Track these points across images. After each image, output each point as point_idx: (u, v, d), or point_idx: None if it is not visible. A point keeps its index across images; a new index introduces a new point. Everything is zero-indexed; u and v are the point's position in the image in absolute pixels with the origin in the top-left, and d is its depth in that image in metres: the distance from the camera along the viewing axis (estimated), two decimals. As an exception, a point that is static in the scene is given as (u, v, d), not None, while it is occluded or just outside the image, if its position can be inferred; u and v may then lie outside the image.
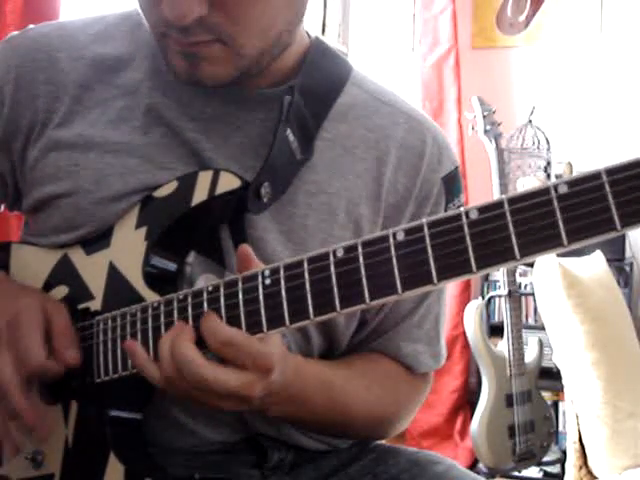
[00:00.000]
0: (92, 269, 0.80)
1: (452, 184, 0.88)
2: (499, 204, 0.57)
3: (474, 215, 0.58)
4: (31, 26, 0.89)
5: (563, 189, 0.55)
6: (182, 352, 0.67)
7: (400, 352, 0.89)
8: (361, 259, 0.62)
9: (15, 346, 0.73)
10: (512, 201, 0.56)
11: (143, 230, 0.78)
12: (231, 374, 0.67)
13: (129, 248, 0.78)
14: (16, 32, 0.89)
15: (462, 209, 0.58)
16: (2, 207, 0.92)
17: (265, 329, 0.66)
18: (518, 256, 0.56)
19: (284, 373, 0.71)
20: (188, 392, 0.69)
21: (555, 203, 0.55)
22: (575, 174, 0.54)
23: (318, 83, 0.84)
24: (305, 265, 0.65)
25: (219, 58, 0.74)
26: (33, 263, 0.84)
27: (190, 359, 0.67)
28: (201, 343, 0.68)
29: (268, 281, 0.66)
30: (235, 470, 0.83)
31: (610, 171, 0.53)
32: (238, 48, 0.73)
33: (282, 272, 0.66)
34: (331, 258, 0.64)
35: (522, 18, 3.40)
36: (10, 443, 0.75)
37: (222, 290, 0.69)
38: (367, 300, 0.62)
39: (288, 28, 0.77)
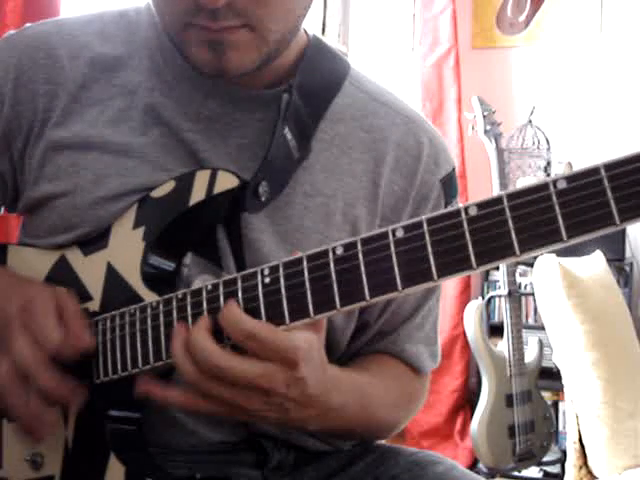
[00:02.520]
0: (90, 270, 0.80)
1: (450, 186, 0.88)
2: (498, 200, 0.57)
3: (473, 211, 0.58)
4: (28, 24, 0.88)
5: (562, 185, 0.55)
6: (197, 342, 0.66)
7: (404, 354, 0.89)
8: (360, 256, 0.62)
9: (31, 329, 0.73)
10: (511, 197, 0.56)
11: (141, 230, 0.78)
12: (249, 362, 0.66)
13: (127, 248, 0.78)
14: (13, 30, 0.88)
15: (461, 205, 0.58)
16: (2, 210, 0.92)
17: (264, 328, 0.66)
18: (518, 252, 0.56)
19: (316, 374, 0.69)
20: (215, 395, 0.67)
21: (554, 198, 0.55)
22: (574, 174, 0.55)
23: (316, 82, 0.84)
24: (304, 263, 0.65)
25: (245, 44, 0.73)
26: (30, 264, 0.83)
27: (202, 347, 0.66)
28: (218, 336, 0.67)
29: (267, 279, 0.66)
30: (236, 470, 0.83)
31: (608, 166, 0.53)
32: (264, 32, 0.73)
33: (281, 270, 0.66)
34: (330, 255, 0.63)
35: (522, 18, 3.40)
36: (45, 422, 0.75)
37: (221, 289, 0.69)
38: (367, 297, 0.62)
39: (304, 12, 0.78)
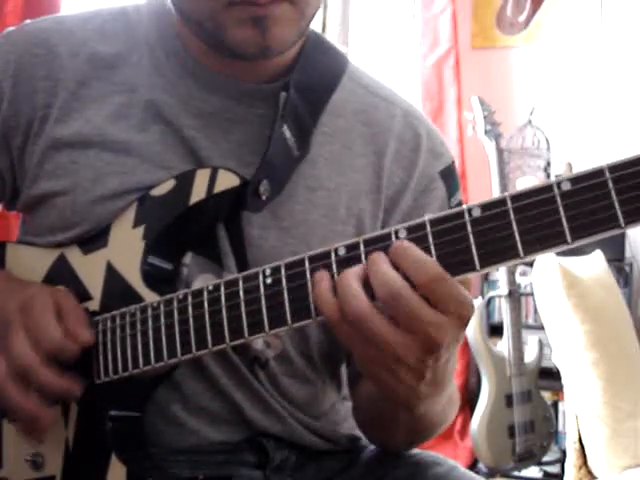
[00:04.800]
0: (89, 269, 0.79)
1: (450, 179, 0.89)
2: (502, 202, 0.57)
3: (477, 213, 0.58)
4: (28, 21, 0.88)
5: (566, 186, 0.55)
6: (388, 271, 0.59)
7: None
8: (363, 257, 0.62)
9: (30, 327, 0.73)
10: (515, 199, 0.56)
11: (141, 229, 0.77)
12: (431, 310, 0.59)
13: (127, 247, 0.78)
14: (13, 27, 0.88)
15: (465, 207, 0.58)
16: (0, 206, 0.92)
17: (267, 329, 0.66)
18: (522, 254, 0.56)
19: None
20: (376, 334, 0.60)
21: (558, 200, 0.55)
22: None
23: (314, 78, 0.84)
24: (306, 264, 0.64)
25: (287, 19, 0.74)
26: (29, 263, 0.83)
27: (393, 278, 0.59)
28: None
29: (269, 280, 0.66)
30: (237, 471, 0.83)
31: (613, 168, 0.53)
32: (303, 5, 0.75)
33: (283, 271, 0.65)
34: (333, 257, 0.63)
35: (522, 18, 3.40)
36: (45, 422, 0.74)
37: (223, 290, 0.68)
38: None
39: None
